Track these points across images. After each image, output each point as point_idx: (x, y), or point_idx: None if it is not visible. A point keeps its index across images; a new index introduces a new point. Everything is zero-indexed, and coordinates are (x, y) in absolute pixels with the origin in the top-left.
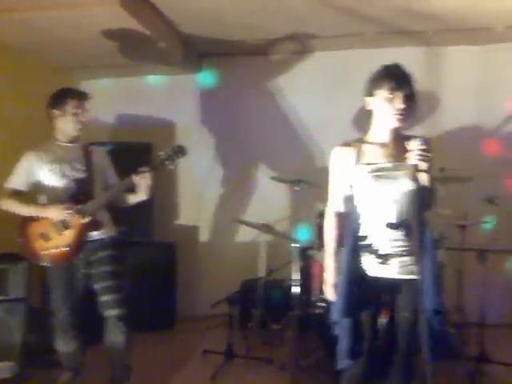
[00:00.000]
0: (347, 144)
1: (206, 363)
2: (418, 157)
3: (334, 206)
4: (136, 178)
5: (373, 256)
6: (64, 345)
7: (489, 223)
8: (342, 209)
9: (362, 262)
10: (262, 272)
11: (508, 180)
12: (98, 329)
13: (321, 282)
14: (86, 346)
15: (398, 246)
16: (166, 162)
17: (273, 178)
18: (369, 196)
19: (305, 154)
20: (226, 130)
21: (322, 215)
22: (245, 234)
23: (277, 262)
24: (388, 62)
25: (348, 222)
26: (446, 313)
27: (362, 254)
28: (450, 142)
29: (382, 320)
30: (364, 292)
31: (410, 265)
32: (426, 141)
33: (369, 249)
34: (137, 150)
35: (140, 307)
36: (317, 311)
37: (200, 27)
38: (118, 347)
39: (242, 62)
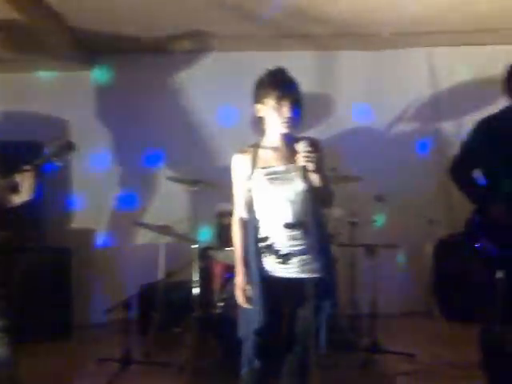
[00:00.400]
0: (244, 150)
1: (101, 372)
2: (304, 158)
3: (238, 213)
4: (18, 177)
5: (273, 256)
6: None
7: (378, 221)
8: (245, 215)
9: (264, 263)
10: (161, 274)
11: (398, 179)
12: None
13: (221, 283)
14: None
15: (297, 245)
16: (53, 159)
17: (169, 179)
18: (266, 198)
19: (204, 153)
20: (123, 129)
21: (221, 215)
22: (144, 237)
23: (178, 263)
24: (284, 65)
25: (248, 226)
26: (340, 306)
27: (263, 255)
28: (344, 142)
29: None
30: (271, 294)
31: (309, 263)
32: (312, 142)
33: (270, 250)
34: (25, 149)
35: (33, 316)
36: (217, 311)
37: (92, 22)
38: (3, 360)
39: (139, 58)
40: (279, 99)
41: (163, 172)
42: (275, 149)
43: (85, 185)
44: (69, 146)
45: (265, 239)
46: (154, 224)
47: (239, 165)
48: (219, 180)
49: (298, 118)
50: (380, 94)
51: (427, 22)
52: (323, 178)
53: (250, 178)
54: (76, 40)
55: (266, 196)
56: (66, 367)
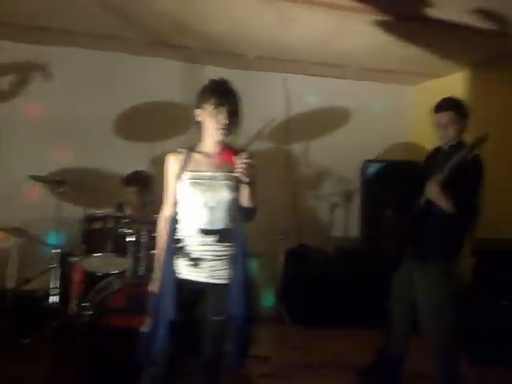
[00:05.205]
0: (178, 151)
1: None
2: (242, 169)
3: (165, 211)
4: None
5: (185, 259)
6: None
7: None
8: (171, 213)
9: (176, 264)
10: (12, 280)
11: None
12: None
13: (83, 291)
14: None
15: (209, 251)
16: None
17: (32, 177)
18: (186, 201)
19: (59, 153)
20: None
21: (88, 220)
22: None
23: (27, 269)
24: (152, 70)
25: (169, 226)
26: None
27: (176, 256)
28: None
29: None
30: (181, 295)
31: (219, 270)
32: (251, 155)
33: (182, 251)
34: None
35: None
36: (84, 320)
37: None
38: None
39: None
40: (217, 106)
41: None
42: (208, 155)
43: None
44: None
45: (179, 241)
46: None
47: (170, 164)
48: (83, 182)
49: (233, 126)
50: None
51: (291, 50)
52: (252, 192)
53: (178, 179)
54: None
55: (188, 199)
56: None
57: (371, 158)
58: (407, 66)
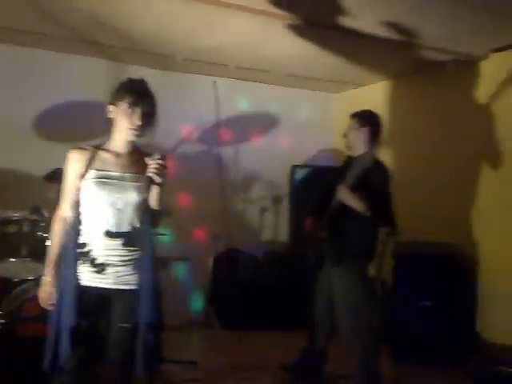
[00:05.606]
0: (83, 148)
1: None
2: (154, 170)
3: (62, 211)
4: None
5: (89, 264)
6: None
7: (166, 234)
8: (69, 214)
9: (78, 270)
10: None
11: (179, 195)
12: None
13: None
14: None
15: (115, 256)
16: None
17: None
18: (92, 202)
19: None
20: None
21: (2, 223)
22: None
23: None
24: (74, 68)
25: (69, 228)
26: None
27: (79, 262)
28: None
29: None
30: (83, 304)
31: (126, 275)
32: (163, 157)
33: (86, 257)
34: None
35: None
36: None
37: None
38: None
39: None
40: (131, 105)
41: None
42: (117, 154)
43: None
44: None
45: (83, 245)
46: None
47: (73, 161)
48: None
49: (146, 128)
50: (164, 112)
51: (218, 54)
52: (161, 194)
53: (81, 177)
54: None
55: (93, 199)
56: None
57: (299, 164)
58: (330, 74)
